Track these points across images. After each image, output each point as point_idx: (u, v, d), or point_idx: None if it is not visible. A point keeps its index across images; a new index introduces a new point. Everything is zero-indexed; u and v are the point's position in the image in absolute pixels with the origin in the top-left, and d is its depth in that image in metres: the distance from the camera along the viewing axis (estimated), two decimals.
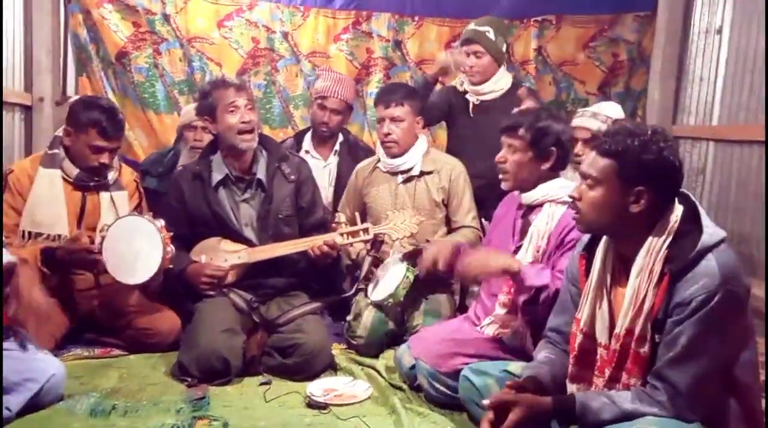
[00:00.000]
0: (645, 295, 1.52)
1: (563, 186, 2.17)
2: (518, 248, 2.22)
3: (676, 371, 1.47)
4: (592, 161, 1.58)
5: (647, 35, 3.89)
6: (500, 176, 2.26)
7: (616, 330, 1.57)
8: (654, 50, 3.78)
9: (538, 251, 2.14)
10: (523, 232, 2.22)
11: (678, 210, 1.55)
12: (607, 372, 1.58)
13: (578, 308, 1.69)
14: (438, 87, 3.34)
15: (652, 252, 1.52)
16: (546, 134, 2.16)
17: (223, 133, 2.58)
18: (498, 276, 2.16)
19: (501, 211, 2.47)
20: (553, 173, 2.21)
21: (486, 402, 1.60)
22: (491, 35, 3.12)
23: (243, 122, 2.55)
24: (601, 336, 1.62)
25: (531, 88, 3.45)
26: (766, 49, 2.87)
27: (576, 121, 2.83)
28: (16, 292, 1.92)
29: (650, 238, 1.53)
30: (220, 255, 2.58)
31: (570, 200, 2.11)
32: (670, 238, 1.52)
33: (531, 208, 2.23)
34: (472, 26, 3.19)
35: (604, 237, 1.66)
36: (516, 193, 2.29)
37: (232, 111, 2.55)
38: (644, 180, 1.52)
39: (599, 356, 1.62)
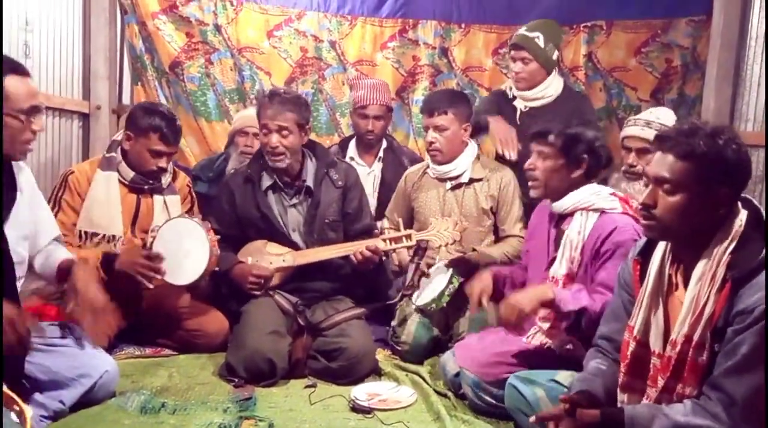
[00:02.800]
0: (706, 302, 1.46)
1: (595, 192, 2.12)
2: (553, 260, 2.17)
3: (733, 381, 1.41)
4: (668, 164, 1.50)
5: (702, 40, 3.76)
6: (530, 184, 2.22)
7: (672, 337, 1.51)
8: (709, 55, 3.65)
9: (572, 262, 2.08)
10: (558, 243, 2.17)
11: (743, 214, 1.49)
12: (660, 382, 1.53)
13: (631, 315, 1.64)
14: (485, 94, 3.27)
15: (715, 257, 1.47)
16: (578, 141, 2.12)
17: None
18: (539, 309, 2.03)
19: (534, 221, 2.41)
20: (585, 181, 2.15)
21: (532, 419, 1.63)
22: (540, 42, 3.04)
23: None
24: (655, 344, 1.57)
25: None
26: None
27: (628, 130, 2.72)
28: (74, 289, 1.98)
29: (714, 243, 1.48)
30: (266, 258, 2.63)
31: (602, 208, 2.08)
32: (734, 243, 1.46)
33: (563, 217, 2.18)
34: (522, 31, 3.11)
35: (662, 242, 1.60)
36: (547, 202, 2.24)
37: None
38: (728, 181, 1.47)
39: (652, 365, 1.57)
